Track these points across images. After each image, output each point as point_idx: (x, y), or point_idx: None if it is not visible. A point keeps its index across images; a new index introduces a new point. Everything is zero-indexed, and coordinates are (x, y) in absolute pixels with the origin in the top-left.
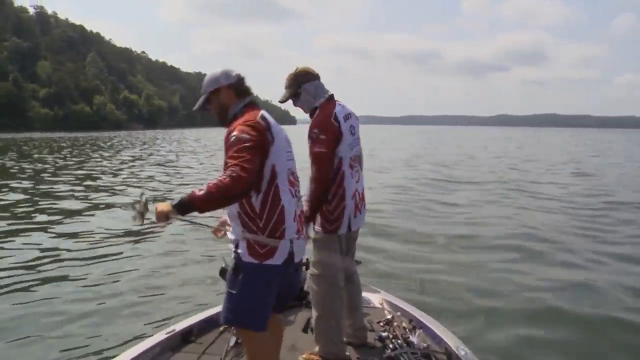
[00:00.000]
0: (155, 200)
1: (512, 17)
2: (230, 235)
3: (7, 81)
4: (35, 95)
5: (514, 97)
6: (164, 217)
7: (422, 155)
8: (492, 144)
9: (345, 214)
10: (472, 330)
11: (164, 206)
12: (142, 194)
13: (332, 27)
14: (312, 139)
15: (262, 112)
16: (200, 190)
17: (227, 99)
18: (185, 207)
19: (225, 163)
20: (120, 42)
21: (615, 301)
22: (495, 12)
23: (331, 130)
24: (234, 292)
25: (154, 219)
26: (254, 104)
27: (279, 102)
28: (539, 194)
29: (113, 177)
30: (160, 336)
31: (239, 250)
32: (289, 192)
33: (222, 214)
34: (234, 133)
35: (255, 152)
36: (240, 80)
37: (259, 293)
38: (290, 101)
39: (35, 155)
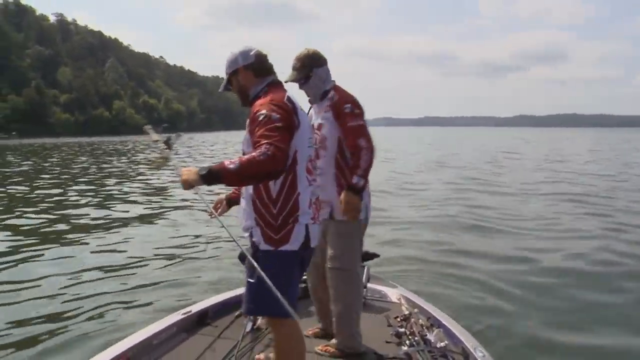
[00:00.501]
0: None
1: (528, 17)
2: (242, 220)
3: (30, 87)
4: (57, 101)
5: (533, 97)
6: (188, 186)
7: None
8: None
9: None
10: (491, 331)
11: (190, 173)
12: (164, 129)
13: (347, 29)
14: (347, 113)
15: (288, 94)
16: (231, 162)
17: (245, 80)
18: (213, 177)
19: (255, 142)
20: (138, 47)
21: None
22: (511, 12)
23: (361, 106)
24: (253, 280)
25: (176, 171)
26: (279, 83)
27: (285, 82)
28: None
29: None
30: (176, 316)
31: (254, 239)
32: (305, 180)
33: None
34: (263, 111)
35: (287, 133)
36: (260, 59)
37: (279, 279)
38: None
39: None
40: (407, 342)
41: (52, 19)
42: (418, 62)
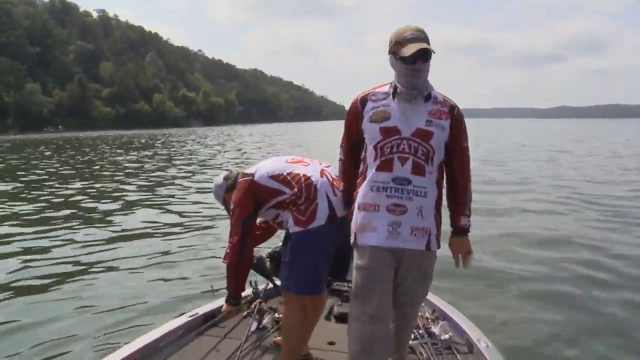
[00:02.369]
0: None
1: (567, 4)
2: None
3: (73, 82)
4: (98, 95)
5: (574, 87)
6: (234, 312)
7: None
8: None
9: None
10: (497, 323)
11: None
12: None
13: (381, 20)
14: (464, 130)
15: (246, 179)
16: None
17: (230, 197)
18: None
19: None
20: (177, 42)
21: None
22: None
23: None
24: (286, 260)
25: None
26: (234, 182)
27: (426, 49)
28: None
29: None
30: (183, 319)
31: (287, 224)
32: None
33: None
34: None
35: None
36: (232, 182)
37: (309, 257)
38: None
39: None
40: (412, 335)
41: (95, 15)
42: (454, 53)
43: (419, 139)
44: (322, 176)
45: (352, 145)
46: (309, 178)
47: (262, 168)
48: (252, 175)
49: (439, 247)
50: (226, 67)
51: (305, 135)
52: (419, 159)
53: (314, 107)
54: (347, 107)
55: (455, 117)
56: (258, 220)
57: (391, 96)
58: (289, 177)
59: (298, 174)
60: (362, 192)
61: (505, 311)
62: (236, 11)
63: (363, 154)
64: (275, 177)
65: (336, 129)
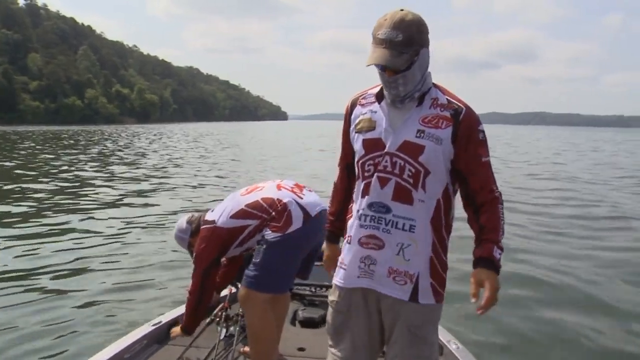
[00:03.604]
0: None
1: (502, 14)
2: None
3: None
4: (26, 88)
5: (504, 95)
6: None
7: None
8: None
9: None
10: (465, 324)
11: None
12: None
13: (325, 22)
14: (480, 141)
15: (208, 227)
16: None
17: (194, 244)
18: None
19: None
20: (112, 36)
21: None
22: (485, 10)
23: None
24: (257, 260)
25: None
26: (199, 225)
27: (388, 66)
28: None
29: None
30: (146, 328)
31: (264, 235)
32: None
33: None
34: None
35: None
36: (196, 225)
37: (283, 259)
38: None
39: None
40: None
41: (21, 2)
42: None
43: (405, 154)
44: (280, 189)
45: (349, 164)
46: (269, 198)
47: (221, 211)
48: (214, 222)
49: (438, 300)
50: (162, 63)
51: (240, 136)
52: (404, 182)
53: (251, 107)
54: (283, 108)
55: (462, 124)
56: (223, 259)
57: (377, 100)
58: (249, 209)
59: (257, 201)
60: (348, 223)
61: (474, 312)
62: (175, 5)
63: None
64: (236, 216)
65: (272, 128)
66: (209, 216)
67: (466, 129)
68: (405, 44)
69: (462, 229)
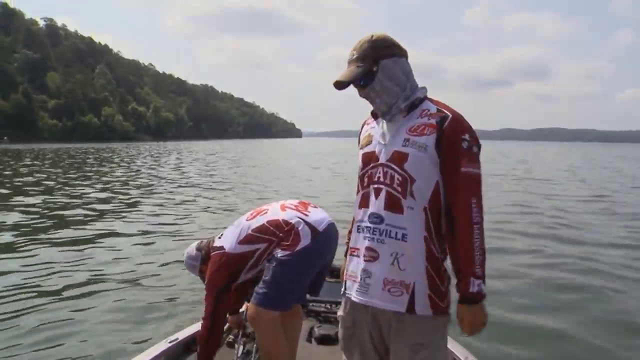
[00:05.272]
0: None
1: (512, 32)
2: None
3: (17, 92)
4: (44, 107)
5: (518, 111)
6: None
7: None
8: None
9: None
10: (483, 341)
11: None
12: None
13: (333, 39)
14: (464, 150)
15: (218, 253)
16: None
17: (206, 270)
18: None
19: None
20: (127, 54)
21: None
22: (496, 27)
23: (479, 142)
24: (267, 278)
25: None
26: (209, 251)
27: (341, 82)
28: None
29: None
30: (163, 345)
31: (275, 254)
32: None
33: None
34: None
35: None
36: (206, 251)
37: (293, 276)
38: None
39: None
40: None
41: (42, 23)
42: None
43: (394, 164)
44: (284, 210)
45: None
46: (274, 220)
47: (229, 237)
48: (223, 248)
49: (436, 313)
50: (177, 81)
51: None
52: (394, 191)
53: (265, 124)
54: (297, 125)
55: (447, 130)
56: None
57: (374, 117)
58: (255, 234)
59: (263, 225)
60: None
61: (492, 327)
62: (188, 24)
63: None
64: (244, 241)
65: (287, 146)
66: (217, 242)
67: (450, 135)
68: (358, 59)
69: None
